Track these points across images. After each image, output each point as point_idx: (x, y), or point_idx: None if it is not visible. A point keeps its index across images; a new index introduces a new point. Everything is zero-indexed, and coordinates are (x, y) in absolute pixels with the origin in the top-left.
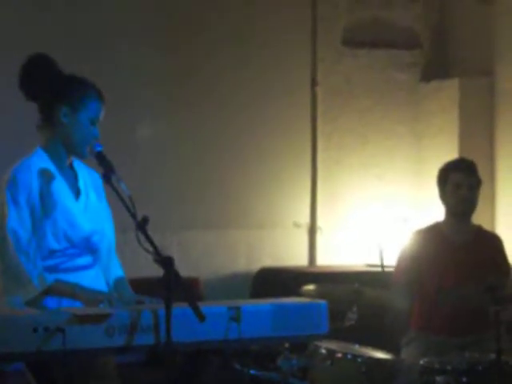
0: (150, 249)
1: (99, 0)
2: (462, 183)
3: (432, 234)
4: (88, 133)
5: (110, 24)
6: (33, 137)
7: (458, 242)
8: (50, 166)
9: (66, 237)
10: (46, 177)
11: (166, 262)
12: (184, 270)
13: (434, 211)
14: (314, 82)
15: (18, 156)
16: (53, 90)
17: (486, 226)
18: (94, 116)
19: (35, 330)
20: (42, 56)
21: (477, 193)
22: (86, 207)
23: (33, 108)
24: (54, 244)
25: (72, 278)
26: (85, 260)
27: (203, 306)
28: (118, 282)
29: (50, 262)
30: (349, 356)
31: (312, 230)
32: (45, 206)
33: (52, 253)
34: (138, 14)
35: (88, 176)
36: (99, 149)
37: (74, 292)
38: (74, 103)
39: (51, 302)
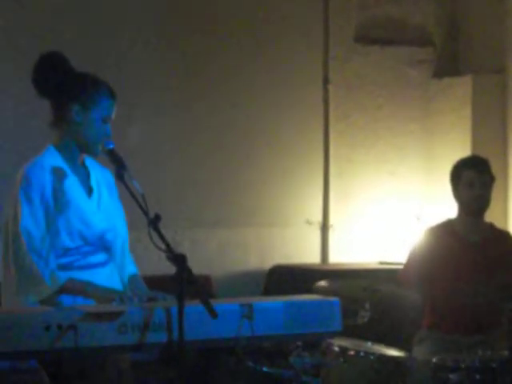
0: (163, 246)
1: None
2: (475, 181)
3: (444, 231)
4: (100, 131)
5: (114, 21)
6: (44, 135)
7: (470, 240)
8: (62, 164)
9: (80, 235)
10: (58, 175)
11: (179, 260)
12: (196, 267)
13: (446, 208)
14: (326, 80)
15: (30, 154)
16: (65, 88)
17: (499, 223)
18: (106, 114)
19: (48, 328)
20: (56, 54)
21: (490, 190)
22: (99, 205)
23: (44, 106)
24: (68, 242)
25: (86, 275)
26: (99, 257)
27: (215, 304)
28: (133, 279)
29: (65, 260)
30: (361, 353)
31: (324, 228)
32: (58, 204)
33: (66, 251)
34: (146, 7)
35: (100, 174)
36: (111, 146)
37: (86, 290)
38: (86, 102)
39: (66, 300)
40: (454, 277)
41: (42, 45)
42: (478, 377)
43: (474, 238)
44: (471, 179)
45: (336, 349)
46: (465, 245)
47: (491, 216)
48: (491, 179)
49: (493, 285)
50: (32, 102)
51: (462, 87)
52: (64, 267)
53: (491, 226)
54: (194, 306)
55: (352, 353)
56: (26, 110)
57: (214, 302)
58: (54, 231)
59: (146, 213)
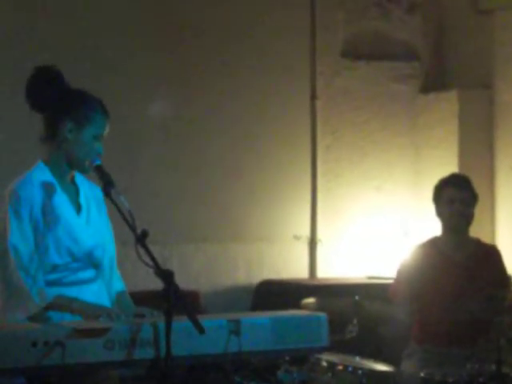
0: (150, 262)
1: (98, 4)
2: (454, 198)
3: (430, 249)
4: (91, 149)
5: (108, 25)
6: (34, 151)
7: (456, 258)
8: (52, 180)
9: (69, 252)
10: (47, 190)
11: (166, 276)
12: (184, 283)
13: (434, 222)
14: (313, 95)
15: (20, 170)
16: (59, 105)
17: (486, 238)
18: (98, 133)
19: (35, 345)
20: (51, 68)
21: (470, 208)
22: (88, 222)
23: (35, 122)
24: (56, 258)
25: (75, 292)
26: (87, 274)
27: (203, 320)
28: (120, 295)
29: (53, 276)
30: (350, 368)
31: (312, 243)
32: (47, 220)
33: (55, 267)
34: (138, 15)
35: (89, 190)
36: (98, 163)
37: (72, 307)
38: (79, 119)
39: (54, 316)
40: (439, 294)
41: (28, 58)
42: None
43: (460, 256)
44: (451, 196)
45: (324, 364)
46: (450, 263)
47: (479, 231)
48: (472, 197)
49: (480, 299)
50: (22, 118)
51: (448, 102)
52: (52, 283)
53: (477, 242)
54: (181, 322)
55: (340, 368)
56: (14, 126)
57: (201, 318)
58: (43, 248)
59: (133, 229)
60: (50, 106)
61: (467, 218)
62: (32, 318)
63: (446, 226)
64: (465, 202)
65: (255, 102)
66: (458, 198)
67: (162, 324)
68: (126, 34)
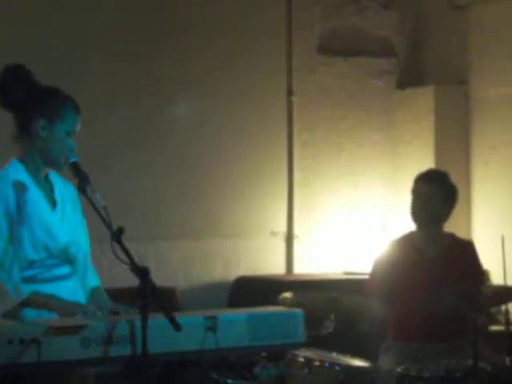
0: (126, 259)
1: (76, 9)
2: (418, 192)
3: (404, 244)
4: (64, 145)
5: (83, 33)
6: (8, 149)
7: (429, 253)
8: (26, 178)
9: (45, 247)
10: (20, 188)
11: (142, 272)
12: (161, 280)
13: (410, 218)
14: (289, 91)
15: None
16: (30, 102)
17: (462, 233)
18: (70, 129)
19: (10, 342)
20: (20, 66)
21: (436, 202)
22: (63, 218)
23: (7, 118)
24: (32, 254)
25: (50, 288)
26: (63, 270)
27: (179, 316)
28: (95, 291)
29: (29, 273)
30: (326, 364)
31: (289, 239)
32: (21, 216)
33: (30, 263)
34: (116, 19)
35: (63, 188)
36: (74, 160)
37: (49, 304)
38: (51, 116)
39: (30, 314)
40: (412, 289)
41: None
42: None
43: (433, 251)
44: (417, 190)
45: (301, 360)
46: (424, 259)
47: (455, 225)
48: (441, 192)
49: (455, 294)
50: None
51: (424, 98)
52: (28, 280)
53: (452, 237)
54: (157, 319)
55: (317, 363)
56: None
57: (178, 315)
58: (17, 243)
59: (108, 226)
60: (21, 104)
61: (427, 213)
62: (6, 315)
63: (413, 221)
64: (428, 197)
65: (232, 98)
66: (422, 193)
67: (138, 321)
68: (113, 35)
